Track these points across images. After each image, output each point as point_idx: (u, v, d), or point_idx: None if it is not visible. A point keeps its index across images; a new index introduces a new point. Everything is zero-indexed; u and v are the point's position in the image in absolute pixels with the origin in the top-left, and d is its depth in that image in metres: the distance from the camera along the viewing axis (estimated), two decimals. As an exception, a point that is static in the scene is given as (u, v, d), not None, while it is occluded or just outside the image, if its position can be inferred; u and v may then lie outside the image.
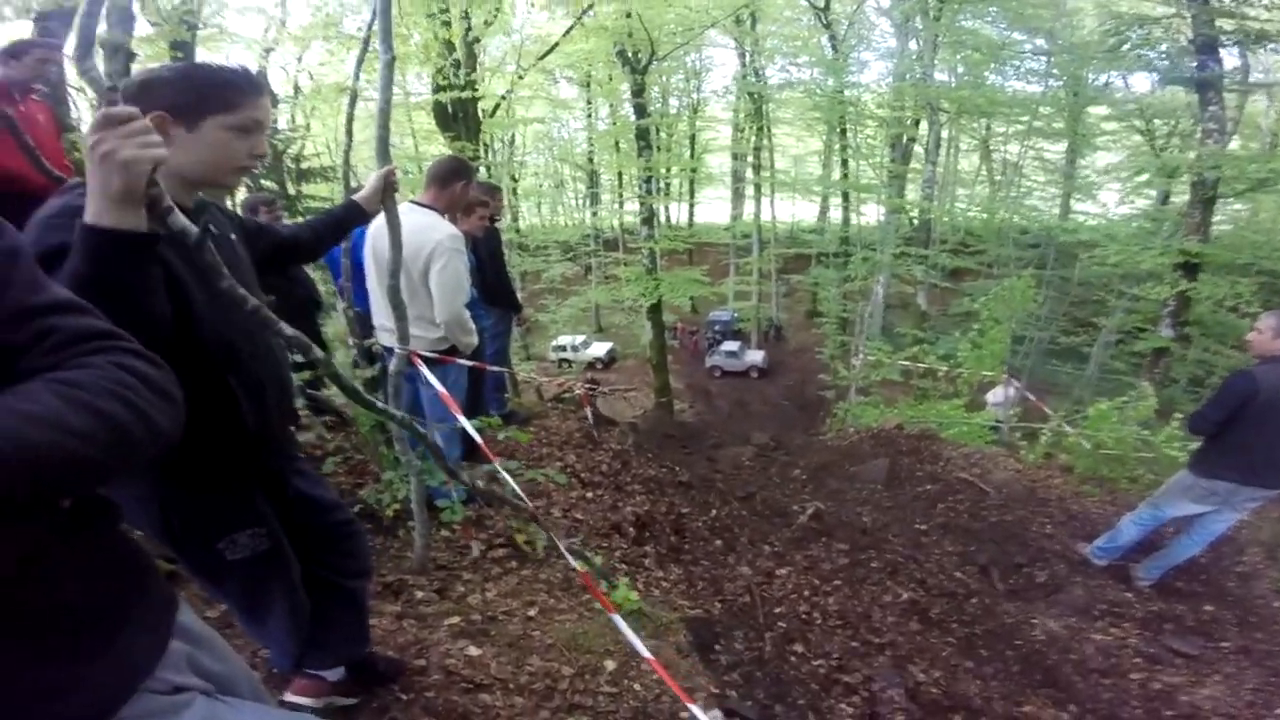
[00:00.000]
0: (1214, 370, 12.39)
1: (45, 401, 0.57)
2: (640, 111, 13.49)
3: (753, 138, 24.01)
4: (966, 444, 5.94)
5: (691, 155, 25.69)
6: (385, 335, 2.86)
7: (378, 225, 2.40)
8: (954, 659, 2.89)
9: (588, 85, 19.63)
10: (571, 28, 11.62)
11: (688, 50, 18.33)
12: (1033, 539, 4.01)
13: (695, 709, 1.77)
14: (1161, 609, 3.37)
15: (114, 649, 0.72)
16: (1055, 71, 17.94)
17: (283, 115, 14.06)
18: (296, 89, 13.04)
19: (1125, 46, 14.35)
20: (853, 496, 4.89)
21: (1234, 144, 16.59)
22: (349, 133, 3.17)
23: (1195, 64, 12.34)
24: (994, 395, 8.08)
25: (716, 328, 23.53)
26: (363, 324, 3.34)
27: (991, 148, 23.90)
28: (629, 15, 10.64)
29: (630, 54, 11.96)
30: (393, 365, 2.15)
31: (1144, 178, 18.28)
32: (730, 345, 21.90)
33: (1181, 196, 15.44)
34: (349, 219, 1.79)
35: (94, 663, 0.70)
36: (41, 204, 1.04)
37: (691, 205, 32.34)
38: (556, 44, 12.55)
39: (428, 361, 2.54)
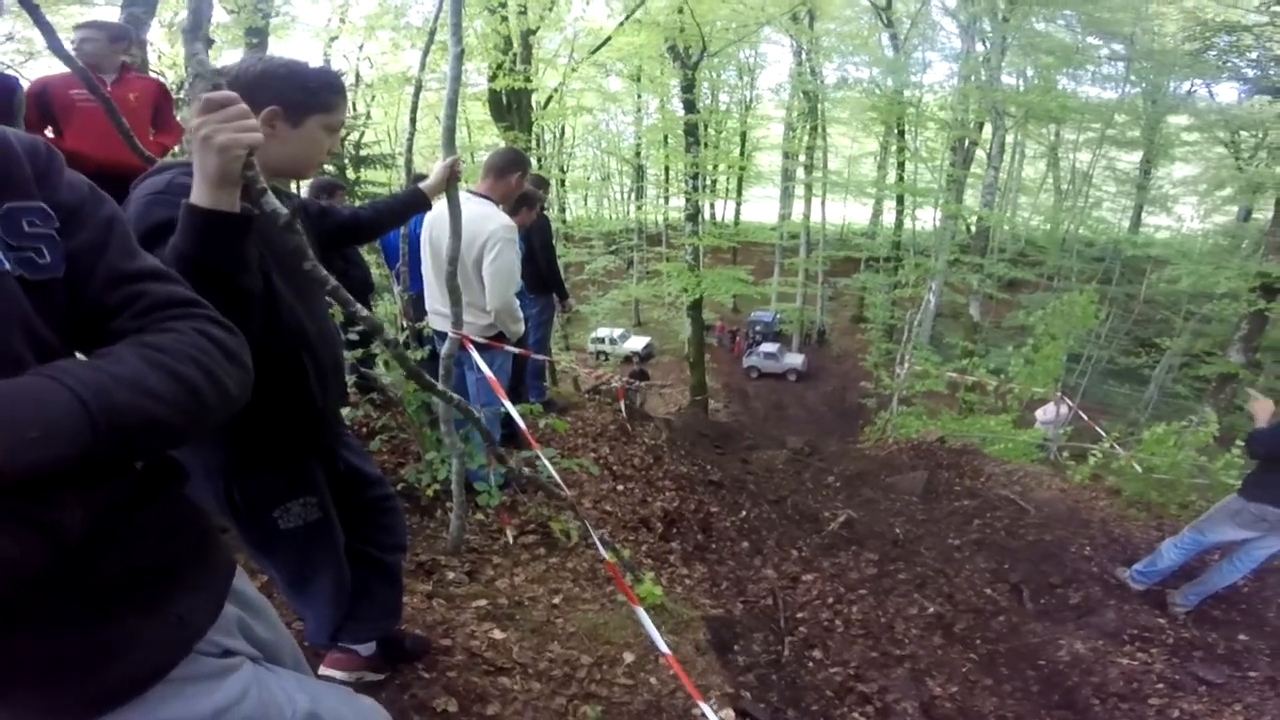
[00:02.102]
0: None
1: (132, 364, 0.61)
2: (689, 107, 13.44)
3: (805, 137, 23.51)
4: (1010, 461, 5.78)
5: (741, 153, 25.43)
6: (437, 319, 2.94)
7: (437, 212, 2.49)
8: (973, 675, 2.85)
9: (638, 79, 19.62)
10: (624, 21, 11.68)
11: (740, 46, 18.07)
12: (1070, 560, 3.90)
13: (706, 707, 1.80)
14: (1194, 636, 3.25)
15: (171, 609, 0.74)
16: (1133, 78, 16.96)
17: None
18: (358, 77, 13.49)
19: (1211, 53, 13.46)
20: (887, 507, 4.82)
21: None
22: (412, 121, 3.27)
23: None
24: (1044, 413, 7.79)
25: (758, 328, 23.28)
26: (416, 307, 3.48)
27: (1060, 155, 22.77)
28: (680, 10, 10.60)
29: (681, 49, 11.92)
30: (445, 349, 2.23)
31: (1226, 192, 17.19)
32: (769, 346, 21.63)
33: (1265, 213, 14.41)
34: (412, 205, 1.86)
35: (151, 621, 0.71)
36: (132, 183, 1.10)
37: (738, 203, 32.02)
38: (609, 38, 12.62)
39: (477, 346, 2.63)
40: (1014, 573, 3.78)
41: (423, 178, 2.00)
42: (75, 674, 0.64)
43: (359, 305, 1.25)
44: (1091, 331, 9.58)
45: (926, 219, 24.59)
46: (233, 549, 1.65)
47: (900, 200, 23.44)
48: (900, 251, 22.36)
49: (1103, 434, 6.51)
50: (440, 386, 1.67)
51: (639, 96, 23.68)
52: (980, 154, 19.97)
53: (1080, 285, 14.74)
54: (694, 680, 2.35)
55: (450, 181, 1.93)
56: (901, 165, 22.68)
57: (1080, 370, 7.98)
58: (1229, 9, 13.63)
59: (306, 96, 1.19)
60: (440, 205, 1.96)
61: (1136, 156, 20.54)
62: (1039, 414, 7.98)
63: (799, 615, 3.27)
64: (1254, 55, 13.10)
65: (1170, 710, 2.73)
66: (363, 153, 11.72)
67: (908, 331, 9.34)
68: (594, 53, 13.15)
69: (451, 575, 2.42)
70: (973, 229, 20.51)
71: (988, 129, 18.53)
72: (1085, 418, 7.02)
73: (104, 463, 0.57)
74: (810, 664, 2.91)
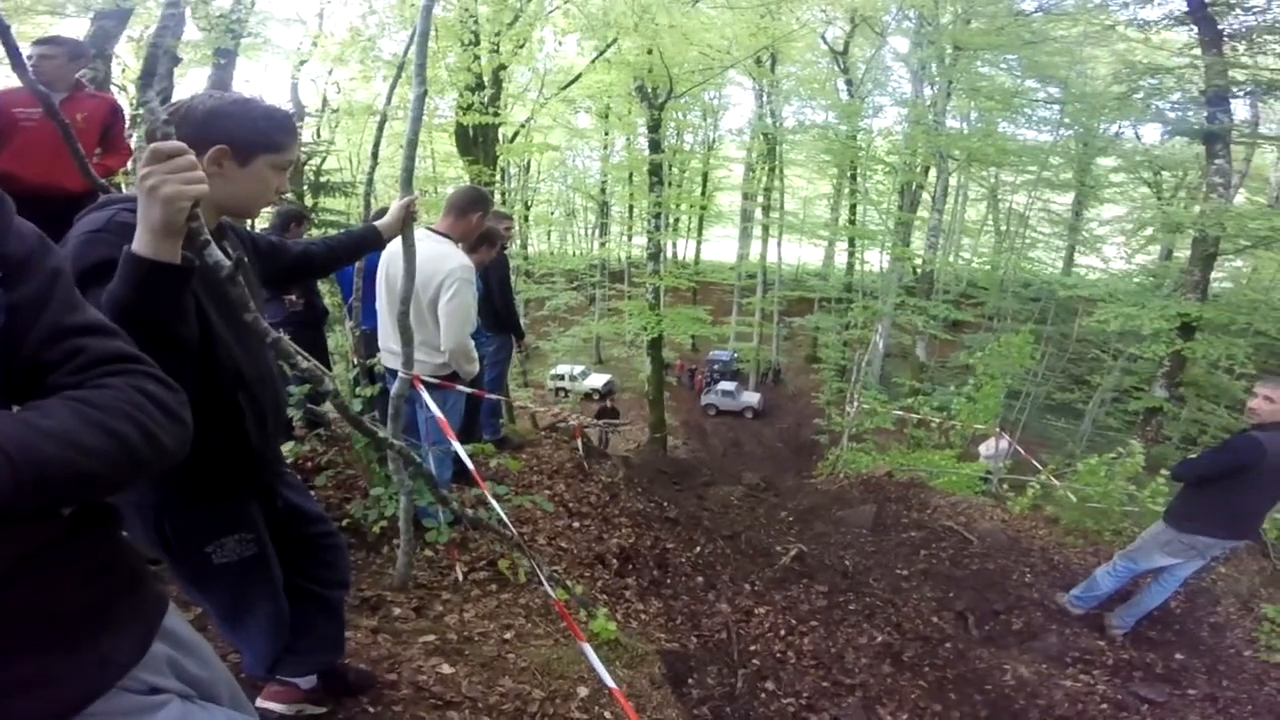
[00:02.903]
0: (1206, 429, 12.36)
1: (62, 419, 0.61)
2: (655, 146, 13.82)
3: (764, 178, 24.42)
4: (955, 493, 5.98)
5: (703, 192, 26.24)
6: (389, 357, 2.91)
7: (393, 250, 2.50)
8: (923, 701, 2.91)
9: (605, 117, 20.17)
10: (595, 59, 12.02)
11: (706, 88, 18.85)
12: (1012, 587, 4.05)
13: None
14: (1133, 657, 3.40)
15: (94, 646, 0.74)
16: (1067, 120, 18.13)
17: (309, 129, 14.40)
18: (324, 103, 13.42)
19: (1137, 95, 14.46)
20: (837, 540, 4.92)
21: (1240, 198, 16.47)
22: (374, 155, 3.31)
23: (1205, 115, 12.31)
24: (986, 448, 8.12)
25: (715, 367, 23.65)
26: (367, 343, 3.45)
27: (999, 197, 24.04)
28: (650, 52, 10.94)
29: (649, 89, 12.32)
30: (395, 388, 2.22)
31: (1148, 232, 18.33)
32: (727, 385, 22.00)
33: (1184, 252, 15.40)
34: (366, 242, 1.86)
35: (72, 658, 0.71)
36: (77, 206, 1.10)
37: (699, 242, 32.83)
38: (580, 75, 12.96)
39: (428, 386, 2.62)
40: (959, 601, 3.90)
41: (382, 213, 2.02)
42: None
43: (301, 357, 1.25)
44: (1029, 370, 10.09)
45: (875, 261, 25.66)
46: (165, 581, 1.59)
47: (852, 242, 24.46)
48: (851, 293, 23.19)
49: (1039, 467, 6.82)
50: (383, 434, 1.67)
51: (606, 134, 24.28)
52: (925, 197, 21.10)
53: (1017, 325, 15.56)
54: (649, 715, 2.34)
55: (406, 221, 1.94)
56: (853, 208, 23.76)
57: (1020, 406, 8.39)
58: (1154, 51, 14.70)
59: (255, 136, 1.20)
60: (398, 243, 1.99)
61: (1069, 198, 21.86)
62: (982, 448, 8.31)
63: (752, 648, 3.29)
64: (1175, 97, 13.94)
65: (1114, 730, 2.84)
66: (323, 179, 11.59)
67: (856, 371, 9.69)
68: (564, 89, 13.46)
69: (398, 611, 2.37)
70: (918, 271, 21.52)
71: (933, 172, 19.64)
72: (1023, 452, 7.35)
73: (28, 511, 0.59)
74: (763, 695, 2.92)
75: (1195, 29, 12.40)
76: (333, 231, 3.10)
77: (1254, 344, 12.52)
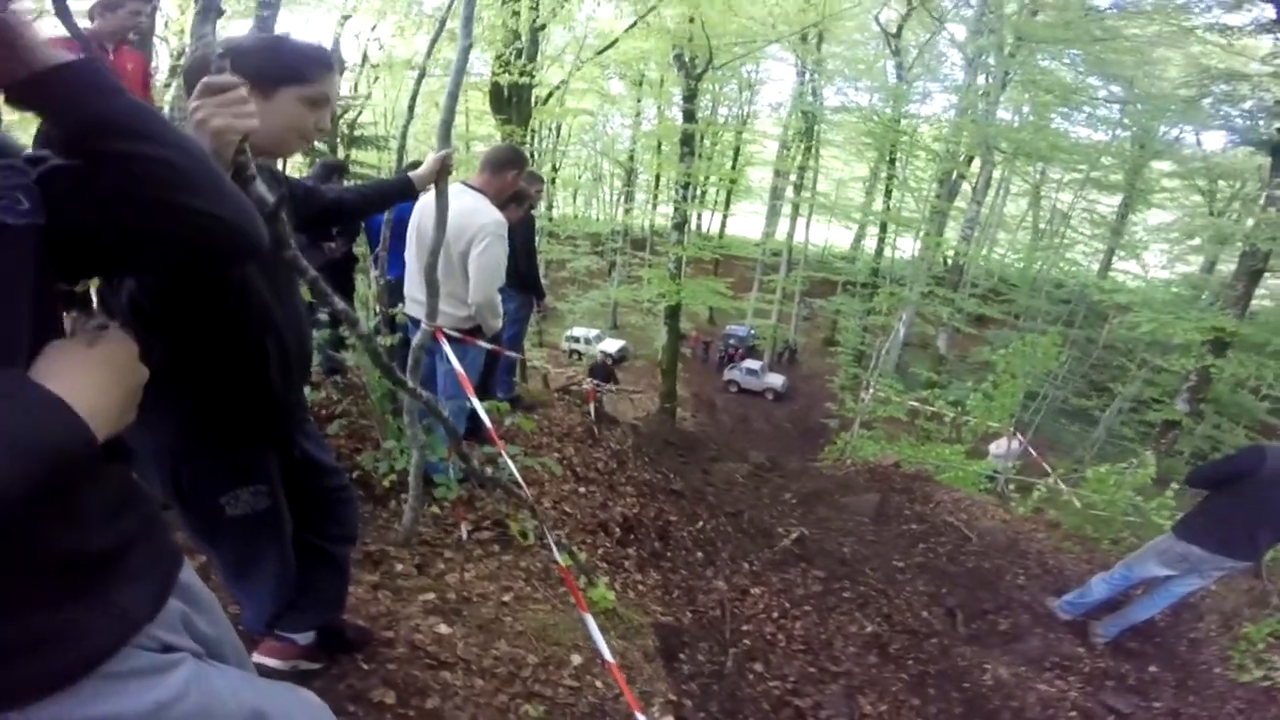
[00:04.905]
0: (1220, 446, 12.17)
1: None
2: (689, 116, 13.55)
3: (799, 156, 23.89)
4: (960, 489, 5.97)
5: (733, 166, 25.71)
6: (415, 307, 2.92)
7: (426, 201, 2.50)
8: (902, 695, 2.97)
9: (640, 84, 19.71)
10: (634, 24, 11.71)
11: (745, 61, 18.28)
12: (1004, 587, 4.07)
13: (641, 718, 1.84)
14: (1108, 666, 3.44)
15: (111, 599, 0.71)
16: (1126, 120, 17.42)
17: (347, 82, 14.35)
18: (365, 57, 13.31)
19: (1206, 101, 13.86)
20: (838, 526, 4.95)
21: None
22: (411, 108, 3.27)
23: (1278, 125, 11.75)
24: (996, 446, 8.07)
25: (731, 341, 23.53)
26: (392, 292, 3.47)
27: (1043, 194, 23.34)
28: (692, 20, 10.67)
29: (688, 58, 12.02)
30: (416, 338, 2.23)
31: (1195, 241, 17.72)
32: (753, 364, 21.86)
33: (1229, 265, 14.93)
34: (398, 193, 1.87)
35: (88, 611, 0.68)
36: None
37: (725, 216, 32.34)
38: (617, 39, 12.64)
39: (450, 339, 2.64)
40: (951, 597, 3.93)
41: (415, 166, 2.01)
42: None
43: (337, 298, 1.25)
44: (1050, 372, 9.94)
45: (906, 248, 25.13)
46: (173, 529, 1.62)
47: (883, 227, 23.93)
48: (878, 279, 22.80)
49: (1049, 470, 6.77)
50: (410, 384, 1.68)
51: (639, 100, 23.79)
52: (965, 187, 20.53)
53: (1045, 326, 15.25)
54: (639, 686, 2.39)
55: (441, 174, 1.93)
56: (889, 193, 23.16)
57: (1035, 408, 8.29)
58: (1234, 56, 13.97)
59: (279, 69, 1.18)
60: (433, 194, 1.98)
61: (1116, 200, 21.12)
62: (992, 447, 8.26)
63: (744, 628, 3.36)
64: (1247, 105, 13.38)
65: (1077, 736, 2.88)
66: (357, 133, 11.57)
67: (875, 359, 9.58)
68: (601, 53, 13.15)
69: (400, 567, 2.42)
70: (949, 261, 21.05)
71: (976, 163, 19.02)
72: (1034, 454, 7.30)
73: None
74: (751, 676, 2.99)
75: (1280, 37, 11.72)
76: (367, 181, 3.09)
77: (1286, 366, 12.16)
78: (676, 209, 14.69)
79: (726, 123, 26.35)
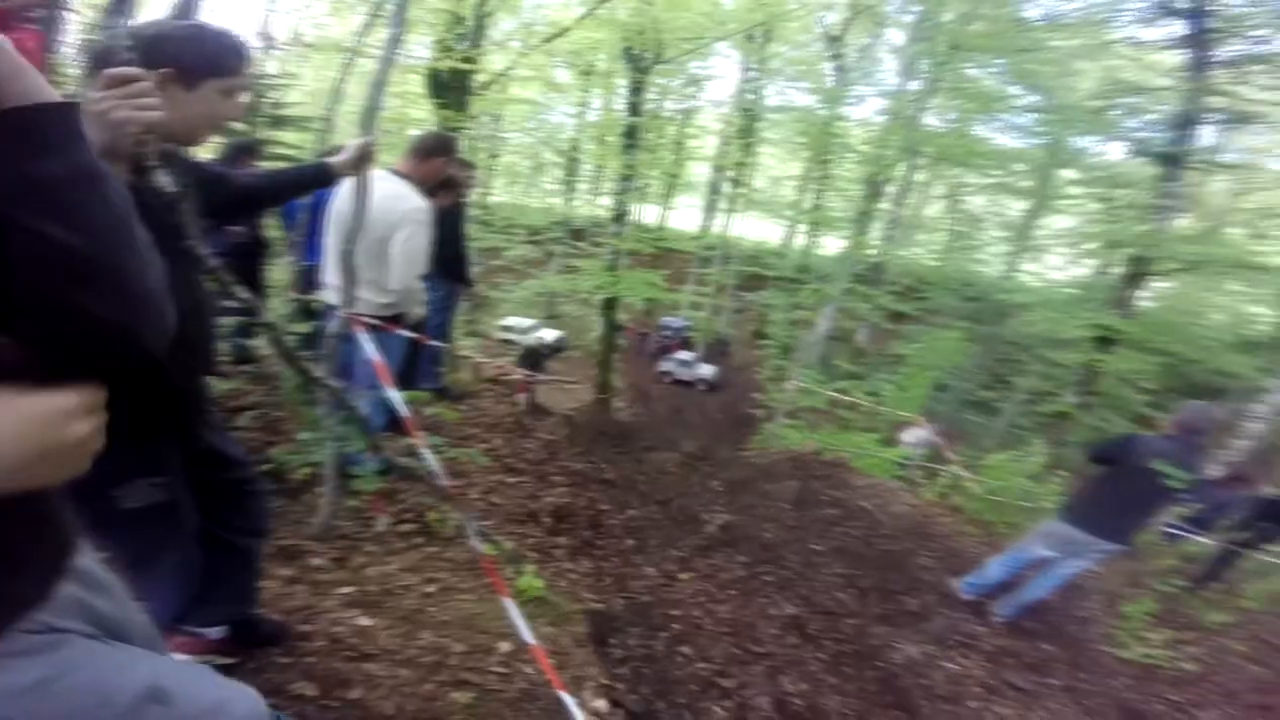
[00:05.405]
0: (1104, 436, 13.47)
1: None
2: (634, 110, 13.55)
3: (738, 153, 24.40)
4: (874, 476, 6.33)
5: (675, 161, 25.89)
6: (332, 293, 2.83)
7: (348, 187, 2.43)
8: (821, 674, 3.13)
9: (587, 74, 19.41)
10: (586, 15, 11.53)
11: (694, 57, 18.38)
12: (912, 569, 4.35)
13: (566, 698, 1.86)
14: (1007, 644, 3.73)
15: None
16: (1039, 129, 18.68)
17: (274, 63, 13.43)
18: (295, 37, 12.50)
19: (1114, 112, 14.94)
20: (761, 512, 5.14)
21: (1184, 223, 17.30)
22: (339, 91, 3.16)
23: (1170, 138, 12.85)
24: (909, 435, 8.59)
25: (667, 333, 23.81)
26: (307, 279, 3.32)
27: (959, 198, 24.84)
28: (642, 15, 10.59)
29: (636, 52, 11.97)
30: (331, 326, 2.17)
31: (1089, 246, 19.37)
32: (686, 355, 22.23)
33: (1121, 268, 16.35)
34: (316, 179, 1.81)
35: None
36: None
37: (665, 209, 32.55)
38: (568, 29, 12.41)
39: (371, 328, 2.57)
40: (865, 579, 4.17)
41: (334, 152, 1.95)
42: None
43: (241, 288, 1.21)
44: (957, 366, 10.68)
45: (833, 245, 26.17)
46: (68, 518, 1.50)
47: (813, 225, 24.78)
48: (805, 274, 23.64)
49: (953, 457, 7.29)
50: (319, 376, 1.63)
51: (585, 91, 23.46)
52: (889, 189, 21.54)
53: (954, 322, 16.31)
54: (571, 671, 2.41)
55: (361, 162, 1.89)
56: (819, 193, 24.02)
57: (945, 399, 8.91)
58: (1144, 71, 15.10)
59: (203, 60, 1.17)
60: (353, 181, 1.92)
61: (1024, 205, 22.77)
62: (905, 435, 8.79)
63: (673, 612, 3.43)
64: (1148, 117, 14.45)
65: (984, 713, 3.12)
66: (281, 113, 10.84)
67: (798, 351, 9.96)
68: (549, 41, 12.88)
69: (317, 561, 2.34)
70: (870, 260, 22.08)
71: (901, 166, 19.98)
72: (943, 442, 7.82)
73: None
74: (680, 659, 3.07)
75: (1189, 53, 12.78)
76: (283, 166, 2.94)
77: (1162, 363, 13.55)
78: (617, 200, 14.65)
79: (671, 117, 26.48)
